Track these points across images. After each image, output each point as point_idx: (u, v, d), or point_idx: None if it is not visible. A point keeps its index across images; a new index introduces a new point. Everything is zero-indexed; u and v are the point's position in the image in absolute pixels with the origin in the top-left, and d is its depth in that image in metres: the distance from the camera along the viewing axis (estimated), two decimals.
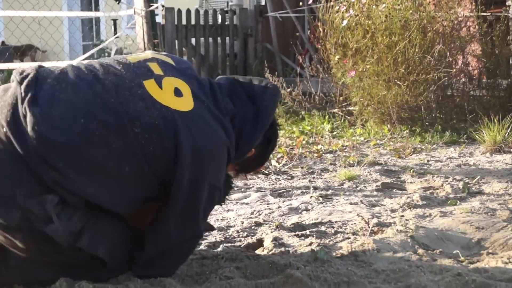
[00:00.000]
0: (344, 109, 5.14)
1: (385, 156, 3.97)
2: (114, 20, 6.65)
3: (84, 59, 6.30)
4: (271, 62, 6.47)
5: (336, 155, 4.02)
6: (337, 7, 4.74)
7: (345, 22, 4.57)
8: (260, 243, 2.15)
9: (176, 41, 6.27)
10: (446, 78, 4.58)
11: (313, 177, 3.43)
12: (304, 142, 4.35)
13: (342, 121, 5.08)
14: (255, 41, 6.84)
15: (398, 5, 4.47)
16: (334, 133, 4.83)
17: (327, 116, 5.23)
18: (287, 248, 2.06)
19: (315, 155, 4.01)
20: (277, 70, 6.47)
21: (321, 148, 4.19)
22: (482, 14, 4.74)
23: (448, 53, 4.54)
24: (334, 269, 1.75)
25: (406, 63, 4.46)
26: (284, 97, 5.31)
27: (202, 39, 6.52)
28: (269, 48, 6.93)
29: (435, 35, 4.52)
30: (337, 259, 1.88)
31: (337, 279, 1.66)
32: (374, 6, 4.54)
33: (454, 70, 4.64)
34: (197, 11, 6.70)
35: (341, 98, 5.06)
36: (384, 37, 4.47)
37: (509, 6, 4.90)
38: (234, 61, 6.80)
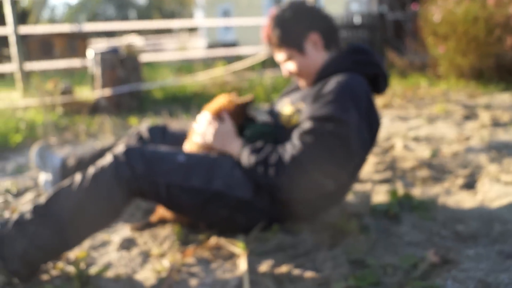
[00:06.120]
0: (434, 71, 5.89)
1: (462, 98, 4.43)
2: None
3: None
4: (388, 44, 7.64)
5: (434, 97, 4.49)
6: (431, 10, 5.63)
7: (436, 18, 5.48)
8: (393, 146, 2.48)
9: None
10: (500, 51, 5.15)
11: (421, 109, 3.83)
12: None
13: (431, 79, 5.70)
14: (379, 32, 8.17)
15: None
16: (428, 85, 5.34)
17: (422, 77, 5.93)
18: (412, 148, 2.42)
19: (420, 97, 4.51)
20: (392, 48, 7.24)
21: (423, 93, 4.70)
22: None
23: (502, 36, 5.04)
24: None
25: (475, 42, 5.12)
26: (396, 64, 6.24)
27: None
28: (387, 35, 8.21)
29: (494, 24, 5.04)
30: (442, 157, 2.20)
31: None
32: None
33: (505, 46, 5.12)
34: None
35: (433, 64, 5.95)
36: (462, 27, 5.17)
37: None
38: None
